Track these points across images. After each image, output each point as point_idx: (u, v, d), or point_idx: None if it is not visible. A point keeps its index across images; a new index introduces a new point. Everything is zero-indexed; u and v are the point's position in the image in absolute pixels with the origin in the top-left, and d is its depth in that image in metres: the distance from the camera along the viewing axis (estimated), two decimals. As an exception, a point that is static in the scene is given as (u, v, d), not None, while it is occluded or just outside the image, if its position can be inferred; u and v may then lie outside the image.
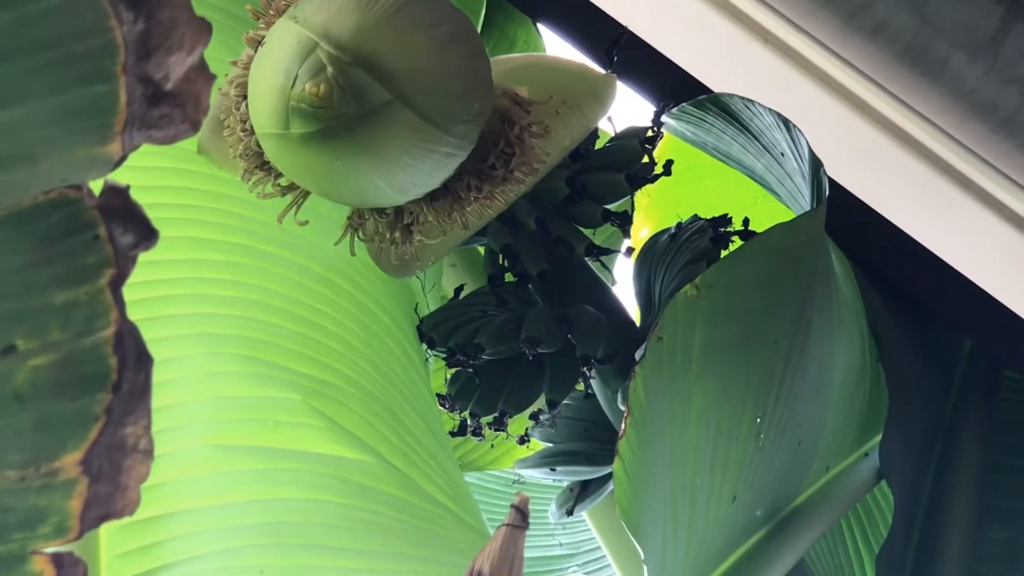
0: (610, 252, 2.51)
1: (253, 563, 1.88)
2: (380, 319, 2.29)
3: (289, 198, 2.02)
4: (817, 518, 2.69)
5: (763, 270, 2.21)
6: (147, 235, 1.34)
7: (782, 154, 2.56)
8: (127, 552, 2.07)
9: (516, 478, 2.79)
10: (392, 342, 2.28)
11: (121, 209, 1.34)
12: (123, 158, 1.37)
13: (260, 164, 2.00)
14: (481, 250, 2.90)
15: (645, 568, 2.12)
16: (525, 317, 2.46)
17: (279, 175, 2.00)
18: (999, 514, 2.99)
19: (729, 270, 2.20)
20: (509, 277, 2.52)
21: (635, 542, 2.06)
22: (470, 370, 2.47)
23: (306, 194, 2.03)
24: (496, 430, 2.52)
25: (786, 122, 2.40)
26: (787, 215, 2.65)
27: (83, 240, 1.32)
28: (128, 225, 1.34)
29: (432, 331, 2.50)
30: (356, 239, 2.14)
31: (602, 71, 2.25)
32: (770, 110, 2.45)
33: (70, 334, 1.29)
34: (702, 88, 2.91)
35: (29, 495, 1.27)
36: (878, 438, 2.84)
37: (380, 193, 1.89)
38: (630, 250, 2.58)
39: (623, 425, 2.03)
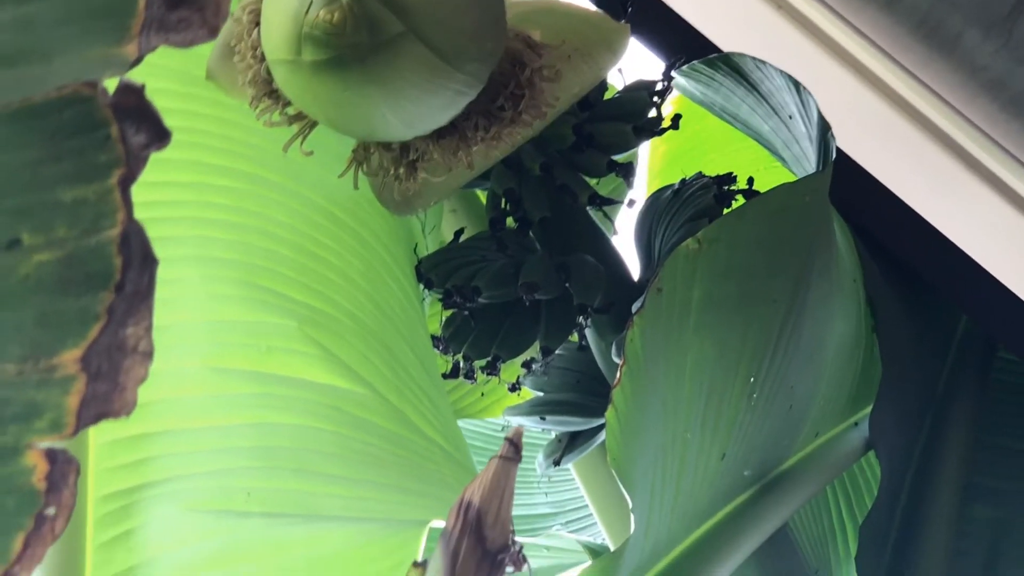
0: (613, 202, 2.51)
1: (242, 485, 1.89)
2: (380, 255, 2.29)
3: (295, 128, 2.02)
4: (804, 483, 2.69)
5: (766, 229, 2.21)
6: (159, 135, 1.34)
7: (790, 117, 2.56)
8: (116, 467, 2.08)
9: (504, 425, 2.80)
10: (391, 279, 2.28)
11: (135, 108, 1.34)
12: (139, 59, 1.36)
13: (268, 92, 2.00)
14: (482, 197, 2.91)
15: (632, 517, 2.13)
16: (524, 263, 2.46)
17: (287, 104, 2.00)
18: (984, 493, 3.00)
19: (732, 226, 2.20)
20: (510, 223, 2.52)
21: (624, 490, 2.06)
22: (466, 312, 2.48)
23: (312, 125, 2.03)
24: (489, 374, 2.52)
25: (796, 84, 2.40)
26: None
27: (94, 138, 1.31)
28: (141, 124, 1.34)
29: (430, 271, 2.50)
30: (360, 174, 2.14)
31: (616, 21, 2.25)
32: (781, 72, 2.45)
33: (76, 232, 1.29)
34: (712, 48, 2.91)
35: (27, 389, 1.27)
36: (868, 408, 2.84)
37: (388, 126, 1.89)
38: (632, 202, 2.59)
39: (618, 374, 2.03)
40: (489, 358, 2.50)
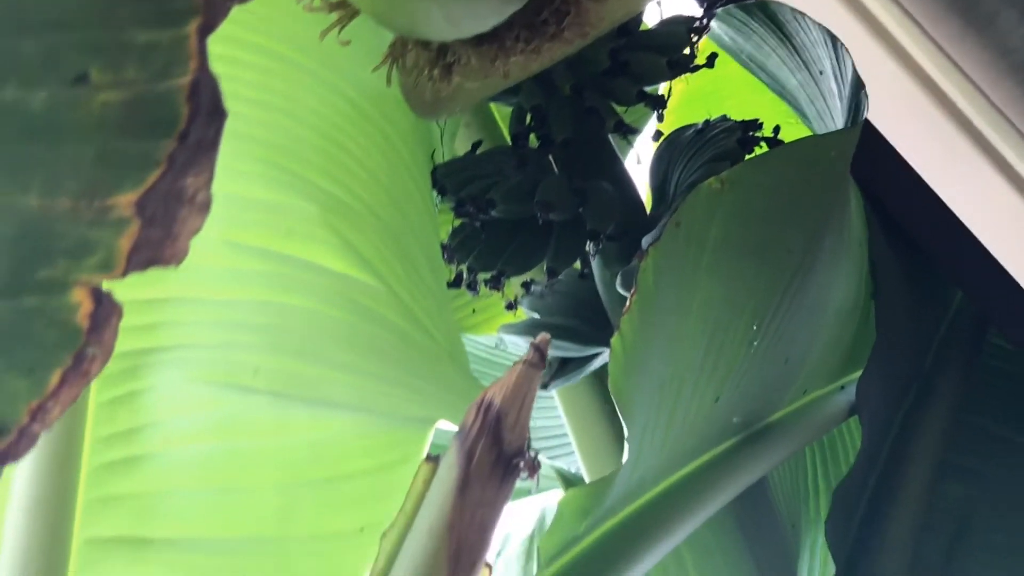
0: (637, 132, 2.52)
1: (250, 360, 1.89)
2: (402, 154, 2.29)
3: (335, 16, 2.02)
4: (788, 438, 2.72)
5: (789, 178, 2.23)
6: (250, -13, 1.33)
7: (821, 72, 2.57)
8: (124, 328, 2.07)
9: (498, 343, 2.81)
10: (410, 180, 2.28)
11: (222, -45, 1.33)
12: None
13: (314, -25, 1.99)
14: (495, 112, 2.92)
15: (626, 446, 2.15)
16: (541, 182, 2.47)
17: (328, -10, 1.99)
18: (958, 471, 3.04)
19: (756, 170, 2.21)
20: (532, 140, 2.52)
21: (621, 418, 2.08)
22: (477, 224, 2.48)
23: (353, 14, 2.02)
24: (492, 288, 2.53)
25: (834, 39, 2.41)
26: (808, 140, 2.67)
27: (175, -18, 1.31)
28: (228, -27, 1.33)
29: (445, 178, 2.50)
30: (393, 72, 2.14)
31: None
32: (820, 25, 2.46)
33: (145, 75, 1.29)
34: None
35: (80, 226, 1.27)
36: (856, 374, 2.87)
37: (433, 23, 1.88)
38: (659, 134, 2.60)
39: (628, 302, 2.04)
40: (494, 272, 2.50)
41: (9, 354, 1.29)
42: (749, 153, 2.52)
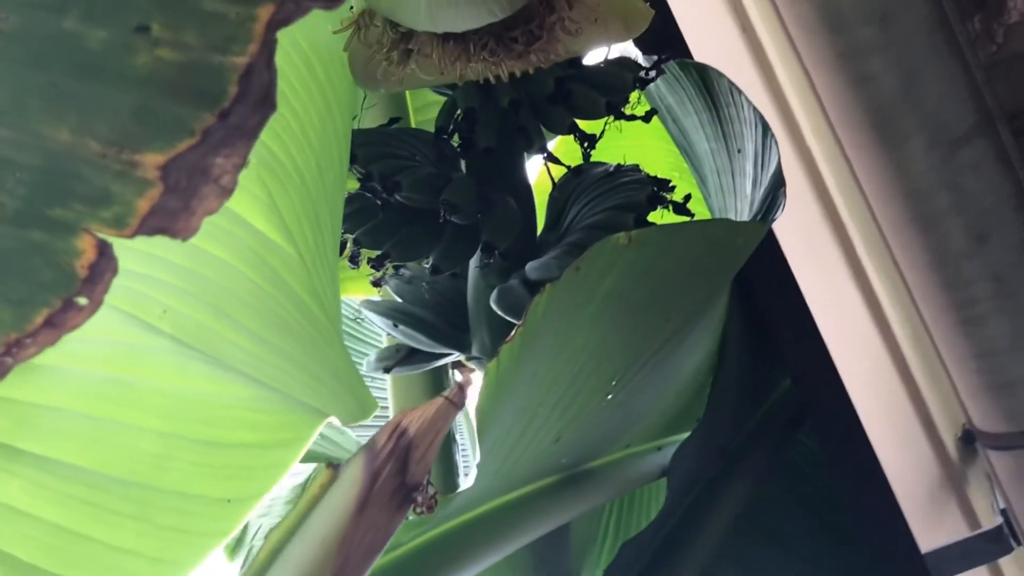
0: (558, 161, 2.62)
1: (160, 298, 1.90)
2: (335, 120, 2.32)
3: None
4: (604, 486, 2.86)
5: (693, 252, 2.33)
6: (330, -3, 1.38)
7: (739, 151, 2.70)
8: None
9: (358, 313, 2.88)
10: (335, 146, 2.31)
11: (318, -41, 1.38)
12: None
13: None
14: (409, 95, 2.98)
15: (475, 471, 2.26)
16: (452, 180, 2.55)
17: (319, -58, 2.02)
18: (733, 557, 3.21)
19: (666, 237, 2.31)
20: (455, 138, 2.60)
21: (477, 441, 2.18)
22: (377, 202, 2.54)
23: (330, -29, 2.06)
24: (373, 267, 2.60)
25: (766, 127, 2.54)
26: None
27: (258, -35, 1.35)
28: (319, -24, 1.38)
29: (360, 148, 2.55)
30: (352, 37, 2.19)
31: (645, 5, 2.35)
32: (755, 108, 2.59)
33: (204, 43, 1.32)
34: (683, 47, 3.03)
35: (104, 175, 1.30)
36: (674, 437, 3.04)
37: (415, 14, 1.95)
38: (579, 169, 2.69)
39: (514, 332, 2.14)
40: (380, 252, 2.57)
41: (2, 281, 1.31)
42: (654, 210, 2.63)
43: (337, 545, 1.57)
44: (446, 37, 2.13)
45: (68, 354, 1.94)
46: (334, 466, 1.63)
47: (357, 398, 2.08)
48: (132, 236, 1.31)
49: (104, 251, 1.32)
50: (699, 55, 3.04)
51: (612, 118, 2.55)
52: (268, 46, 1.33)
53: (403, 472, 1.61)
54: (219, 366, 1.94)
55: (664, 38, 2.59)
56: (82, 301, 1.31)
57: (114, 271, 1.33)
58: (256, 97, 1.34)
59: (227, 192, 1.34)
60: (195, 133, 1.31)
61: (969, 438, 3.17)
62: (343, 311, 3.86)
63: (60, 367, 1.86)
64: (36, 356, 1.33)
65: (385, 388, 3.34)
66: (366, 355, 3.04)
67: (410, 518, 1.80)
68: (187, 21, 1.31)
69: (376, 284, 2.71)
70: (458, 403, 1.67)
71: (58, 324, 1.33)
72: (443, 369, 3.17)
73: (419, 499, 1.64)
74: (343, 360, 2.13)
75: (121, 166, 1.30)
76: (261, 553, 1.61)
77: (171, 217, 1.32)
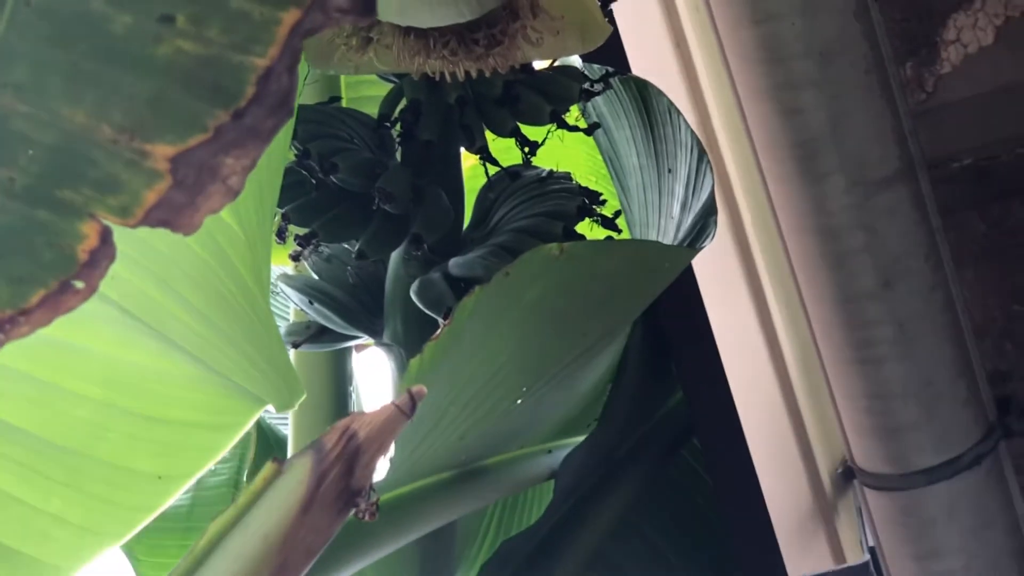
0: (497, 164, 2.67)
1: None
2: (285, 99, 2.35)
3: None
4: (496, 484, 2.94)
5: (620, 271, 2.39)
6: (364, 9, 1.41)
7: (669, 170, 2.78)
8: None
9: (273, 288, 2.92)
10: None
11: (355, -28, 1.42)
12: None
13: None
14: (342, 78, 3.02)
15: (390, 464, 2.32)
16: (388, 168, 2.59)
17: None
18: (605, 564, 3.29)
19: (597, 253, 2.38)
20: (396, 128, 2.64)
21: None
22: (313, 180, 2.58)
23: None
24: (299, 244, 2.64)
25: (702, 152, 2.62)
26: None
27: (292, -33, 1.39)
28: (350, -11, 1.41)
29: (299, 124, 2.59)
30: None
31: (604, 20, 2.41)
32: (693, 132, 2.67)
33: (226, 40, 1.35)
34: (623, 58, 3.09)
35: (115, 162, 1.32)
36: (565, 440, 3.12)
37: (385, 5, 2.00)
38: (516, 174, 2.75)
39: (439, 331, 2.19)
40: (308, 230, 2.61)
41: (4, 257, 1.34)
42: (582, 220, 2.70)
43: (279, 543, 1.60)
44: (408, 31, 2.17)
45: (13, 321, 1.95)
46: (278, 460, 1.66)
47: (288, 385, 2.11)
48: (135, 226, 1.34)
49: (106, 238, 1.35)
50: (632, 65, 3.10)
51: (555, 126, 2.60)
52: (290, 51, 1.36)
53: (349, 476, 1.65)
54: (162, 340, 1.97)
55: (605, 48, 2.65)
56: (79, 285, 1.33)
57: (112, 258, 1.36)
58: (273, 101, 1.37)
59: (233, 193, 1.37)
60: (208, 129, 1.34)
61: (849, 474, 3.29)
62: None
63: (1, 323, 1.87)
64: (27, 335, 1.35)
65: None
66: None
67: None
68: (212, 16, 1.34)
69: (295, 258, 2.74)
70: (408, 413, 1.71)
71: (53, 305, 1.35)
72: (347, 351, 3.22)
73: (362, 505, 1.67)
74: (278, 345, 2.17)
75: (132, 154, 1.32)
76: (200, 542, 1.64)
77: (176, 212, 1.35)
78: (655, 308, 3.09)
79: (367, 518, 1.68)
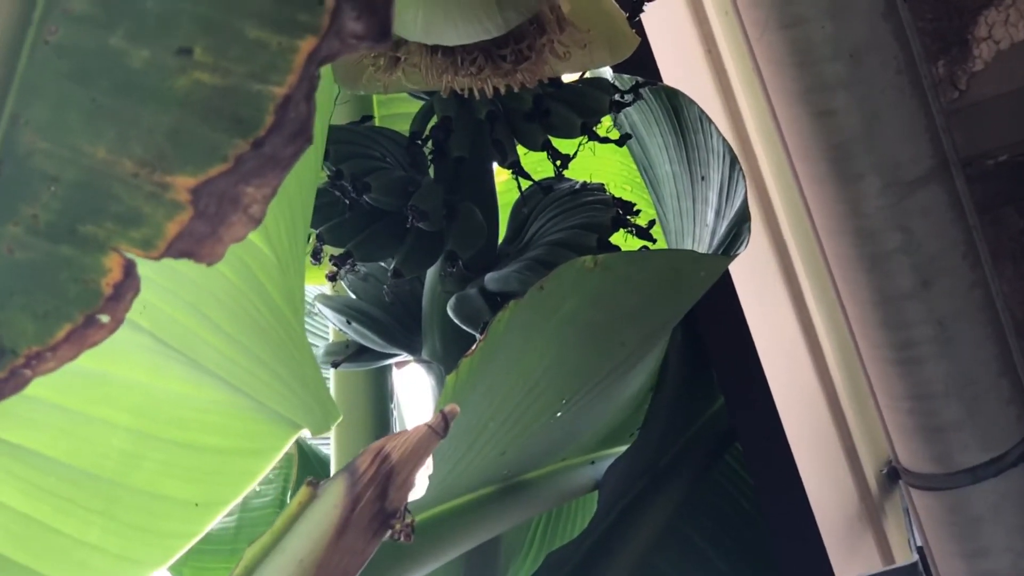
0: (529, 178, 2.66)
1: (141, 294, 1.92)
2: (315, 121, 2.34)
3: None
4: (539, 497, 2.92)
5: (655, 281, 2.38)
6: (379, 35, 1.40)
7: (703, 178, 2.76)
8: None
9: (311, 308, 2.91)
10: (313, 147, 2.34)
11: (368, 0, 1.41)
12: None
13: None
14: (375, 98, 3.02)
15: (429, 480, 2.31)
16: (421, 186, 2.58)
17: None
18: (652, 573, 3.29)
19: (632, 264, 2.36)
20: (429, 145, 2.63)
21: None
22: (346, 200, 2.58)
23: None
24: (335, 264, 2.63)
25: (735, 160, 2.60)
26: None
27: (307, -2, 1.38)
28: (364, 14, 1.40)
29: (333, 144, 2.58)
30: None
31: (632, 31, 2.39)
32: (724, 140, 2.65)
33: (244, 70, 1.34)
34: (654, 67, 3.07)
35: (136, 195, 1.32)
36: (608, 451, 3.11)
37: (411, 24, 2.00)
38: (549, 187, 2.74)
39: (475, 347, 2.18)
40: (343, 250, 2.60)
41: (29, 293, 1.33)
42: (616, 231, 2.68)
43: (315, 567, 1.59)
44: (435, 49, 2.17)
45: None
46: (313, 483, 1.66)
47: (323, 408, 2.11)
48: (159, 258, 1.34)
49: (129, 271, 1.35)
50: (664, 74, 3.08)
51: (586, 138, 2.59)
52: (308, 78, 1.36)
53: (383, 498, 1.64)
54: (195, 367, 1.96)
55: (636, 57, 2.63)
56: (104, 319, 1.33)
57: (136, 291, 1.36)
58: (292, 128, 1.37)
59: (255, 222, 1.36)
60: (228, 159, 1.33)
61: (894, 475, 3.26)
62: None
63: (35, 355, 1.88)
64: (54, 371, 1.35)
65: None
66: (315, 347, 3.06)
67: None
68: (230, 47, 1.33)
69: (331, 279, 2.74)
70: (441, 432, 1.71)
71: (79, 340, 1.35)
72: (387, 368, 3.21)
73: (397, 526, 1.67)
74: (311, 367, 2.16)
75: (153, 187, 1.32)
76: (238, 568, 1.63)
77: (198, 242, 1.35)
78: (694, 315, 3.08)
79: (403, 539, 1.67)
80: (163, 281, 1.92)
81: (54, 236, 1.33)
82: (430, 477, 2.27)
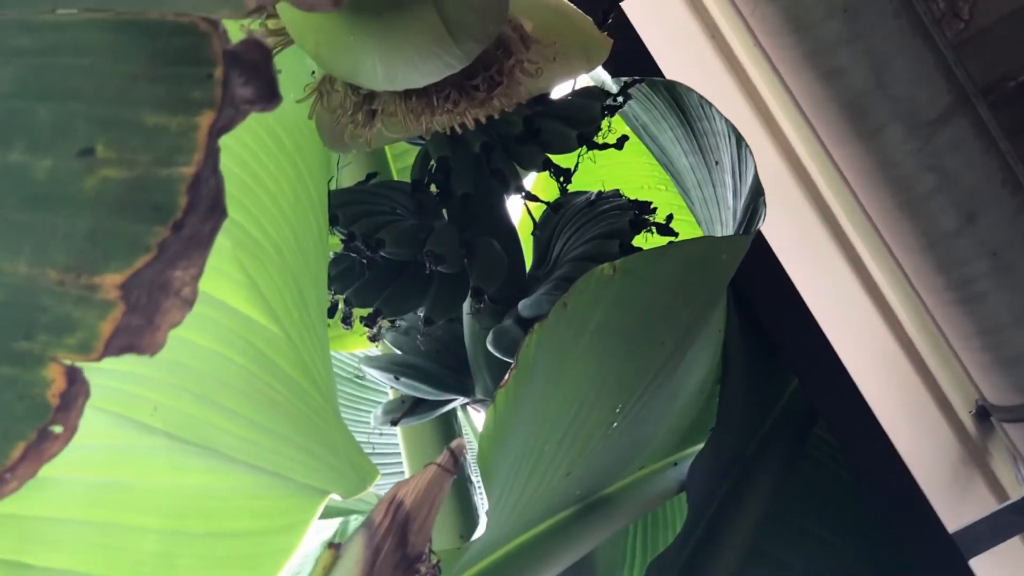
0: (538, 200, 2.62)
1: (148, 395, 1.91)
2: (308, 188, 2.33)
3: (271, 41, 2.06)
4: (623, 510, 2.86)
5: (679, 274, 2.33)
6: (268, 97, 1.38)
7: (716, 163, 2.70)
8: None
9: (357, 369, 2.89)
10: (312, 215, 2.32)
11: (251, 63, 1.38)
12: (258, 9, 1.41)
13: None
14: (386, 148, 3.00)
15: (485, 519, 2.26)
16: (433, 230, 2.55)
17: (271, 16, 2.04)
18: (763, 558, 3.21)
19: (650, 263, 2.31)
20: (432, 188, 2.61)
21: (483, 487, 2.19)
22: (364, 261, 2.55)
23: (288, 43, 2.08)
24: (366, 325, 2.61)
25: (739, 137, 2.54)
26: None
27: (196, 73, 1.35)
28: (252, 80, 1.38)
29: (339, 208, 2.57)
30: (316, 104, 2.20)
31: (603, 34, 2.35)
32: (726, 120, 2.59)
33: (149, 158, 1.33)
34: (653, 66, 3.03)
35: (65, 302, 1.30)
36: (688, 450, 3.04)
37: (372, 75, 1.97)
38: (558, 205, 2.69)
39: (507, 376, 2.14)
40: (371, 309, 2.58)
41: (-24, 421, 1.32)
42: (638, 234, 2.63)
43: (346, 625, 1.56)
44: (408, 93, 2.15)
45: (64, 464, 1.95)
46: (335, 546, 1.63)
47: (356, 470, 2.08)
48: (99, 359, 1.32)
49: (74, 377, 1.33)
50: (672, 67, 3.04)
51: (585, 149, 2.54)
52: (212, 153, 1.34)
53: (403, 545, 1.61)
54: (214, 456, 1.95)
55: (632, 59, 2.58)
56: (57, 429, 1.32)
57: (86, 395, 1.34)
58: (207, 205, 1.35)
59: (189, 303, 1.34)
60: (151, 248, 1.32)
61: (983, 413, 3.17)
62: (349, 367, 3.87)
63: (58, 477, 1.88)
64: (16, 491, 1.33)
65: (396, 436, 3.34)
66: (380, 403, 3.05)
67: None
68: (130, 138, 1.32)
69: (373, 339, 2.72)
70: (451, 469, 1.67)
71: (36, 456, 1.34)
72: (451, 413, 3.17)
73: (422, 569, 1.63)
74: (339, 433, 2.14)
75: (80, 291, 1.30)
76: (274, 643, 1.61)
77: (136, 335, 1.33)
78: (747, 300, 3.02)
79: (430, 582, 1.64)
80: (169, 379, 1.92)
81: (-10, 360, 1.31)
82: (488, 515, 2.22)
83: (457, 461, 1.68)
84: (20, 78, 1.34)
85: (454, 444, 1.68)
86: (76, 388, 1.34)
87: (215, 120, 1.36)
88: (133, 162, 1.33)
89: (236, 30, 1.78)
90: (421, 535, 1.65)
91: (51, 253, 1.31)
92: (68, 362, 1.31)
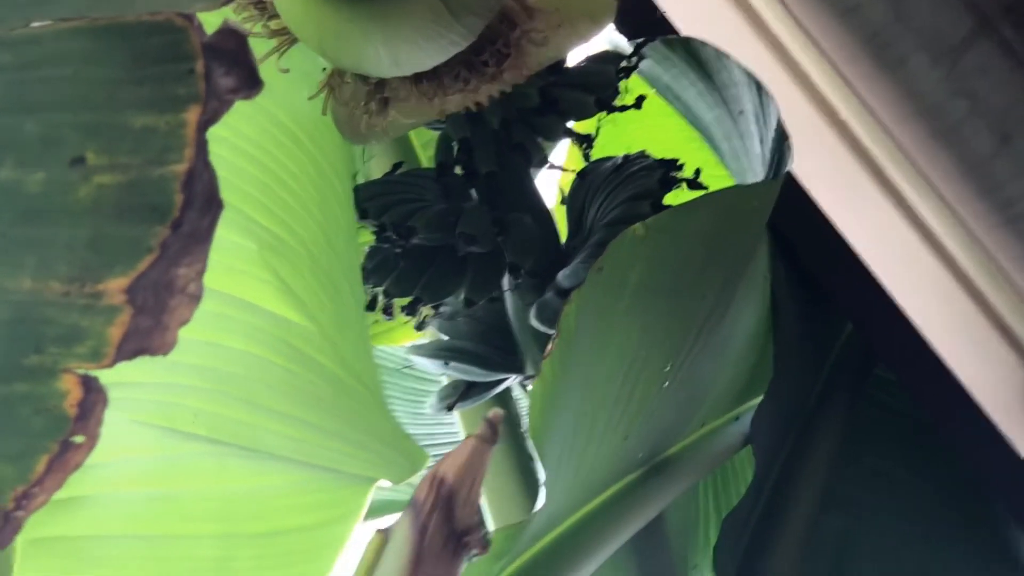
0: (563, 169, 2.59)
1: (190, 404, 1.91)
2: (332, 183, 2.32)
3: (274, 42, 2.05)
4: (688, 470, 2.83)
5: (711, 226, 2.30)
6: (250, 83, 1.37)
7: (740, 112, 2.66)
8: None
9: (405, 360, 2.87)
10: (339, 209, 2.31)
11: (230, 52, 1.37)
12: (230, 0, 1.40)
13: (256, 2, 2.02)
14: (412, 135, 2.98)
15: (542, 490, 2.24)
16: (463, 212, 2.53)
17: (273, 17, 2.02)
18: (839, 502, 3.16)
19: (681, 219, 2.28)
20: (457, 170, 2.59)
21: (539, 463, 2.16)
22: (398, 250, 2.54)
23: (293, 42, 2.06)
24: (407, 314, 2.59)
25: (759, 84, 2.50)
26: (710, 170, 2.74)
27: (177, 70, 1.34)
28: (232, 69, 1.37)
29: (368, 201, 2.55)
30: (328, 99, 2.19)
31: None
32: (743, 69, 2.55)
33: (141, 160, 1.32)
34: (666, 23, 2.98)
35: (72, 312, 1.29)
36: (749, 403, 3.00)
37: (377, 62, 1.94)
38: (584, 173, 2.67)
39: (550, 346, 2.11)
40: (411, 298, 2.56)
41: (-2, 440, 1.31)
42: (668, 192, 2.59)
43: (400, 604, 1.55)
44: (418, 77, 2.12)
45: (110, 480, 1.95)
46: (383, 531, 1.61)
47: (405, 455, 2.07)
48: (111, 365, 1.31)
49: (89, 385, 1.32)
50: (687, 23, 2.99)
51: (605, 113, 2.51)
52: (202, 147, 1.32)
53: (450, 520, 1.60)
54: (261, 457, 1.95)
55: (644, 17, 2.55)
56: (79, 439, 1.31)
57: (104, 402, 1.33)
58: (203, 199, 1.34)
59: (196, 299, 1.33)
60: (153, 249, 1.31)
61: (1049, 336, 3.10)
62: (398, 360, 3.86)
63: (104, 495, 1.88)
64: (46, 503, 1.32)
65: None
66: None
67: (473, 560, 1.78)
68: (120, 142, 1.31)
69: (419, 328, 2.70)
70: (490, 440, 1.65)
71: (61, 467, 1.33)
72: (507, 392, 3.15)
73: (471, 541, 1.61)
74: (385, 420, 2.13)
75: (86, 300, 1.29)
76: (330, 627, 1.60)
77: (146, 337, 1.32)
78: (791, 248, 2.98)
79: (480, 552, 1.62)
80: (208, 385, 1.92)
81: (3, 377, 1.31)
82: (546, 485, 2.19)
83: (496, 431, 1.65)
84: (2, 95, 1.33)
85: (491, 414, 1.65)
86: (93, 396, 1.33)
87: (202, 114, 1.34)
88: (126, 166, 1.32)
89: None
90: (467, 508, 1.63)
91: (54, 265, 1.30)
92: (82, 371, 1.30)
